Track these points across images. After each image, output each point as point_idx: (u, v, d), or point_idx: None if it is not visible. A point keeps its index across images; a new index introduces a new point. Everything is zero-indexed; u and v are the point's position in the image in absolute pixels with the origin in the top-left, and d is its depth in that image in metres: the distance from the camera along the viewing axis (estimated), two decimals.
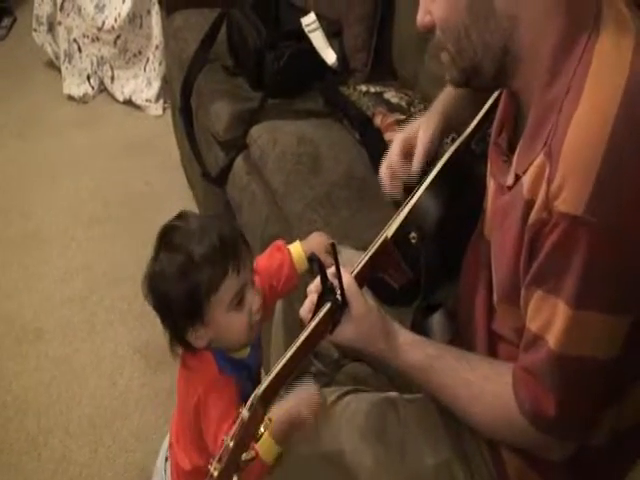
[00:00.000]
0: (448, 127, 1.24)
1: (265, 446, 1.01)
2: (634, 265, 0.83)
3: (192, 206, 2.42)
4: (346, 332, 1.03)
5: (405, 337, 1.05)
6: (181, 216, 1.18)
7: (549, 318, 0.88)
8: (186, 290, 1.09)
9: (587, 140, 0.81)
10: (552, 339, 0.88)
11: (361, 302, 1.02)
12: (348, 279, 1.02)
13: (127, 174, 2.67)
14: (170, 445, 1.33)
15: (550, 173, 0.83)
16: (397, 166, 1.21)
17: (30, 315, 2.18)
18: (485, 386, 1.00)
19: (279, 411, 1.01)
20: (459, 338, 1.14)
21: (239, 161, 1.93)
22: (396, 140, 1.24)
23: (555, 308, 0.87)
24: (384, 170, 1.22)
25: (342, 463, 1.11)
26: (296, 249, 1.31)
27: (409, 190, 1.21)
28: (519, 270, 0.91)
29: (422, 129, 1.22)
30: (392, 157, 1.23)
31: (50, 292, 2.26)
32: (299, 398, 1.03)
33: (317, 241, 1.32)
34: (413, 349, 1.04)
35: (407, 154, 1.21)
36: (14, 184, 2.66)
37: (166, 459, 1.37)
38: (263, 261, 1.30)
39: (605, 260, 0.82)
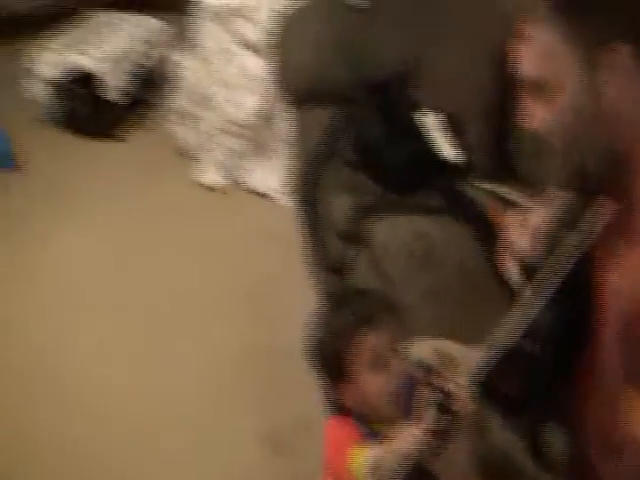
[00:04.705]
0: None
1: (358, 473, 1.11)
2: None
3: (311, 295, 2.47)
4: None
5: None
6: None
7: None
8: (331, 350, 1.23)
9: None
10: None
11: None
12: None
13: (253, 260, 2.76)
14: None
15: None
16: (514, 246, 1.22)
17: (156, 392, 2.27)
18: None
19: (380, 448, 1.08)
20: (577, 451, 1.11)
21: (358, 254, 1.97)
22: (511, 221, 1.25)
23: None
24: (502, 252, 1.24)
25: None
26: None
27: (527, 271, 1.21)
28: None
29: (538, 211, 1.23)
30: (508, 238, 1.24)
31: (176, 371, 2.34)
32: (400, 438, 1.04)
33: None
34: None
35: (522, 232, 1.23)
36: (145, 265, 2.80)
37: None
38: None
39: None
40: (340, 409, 1.28)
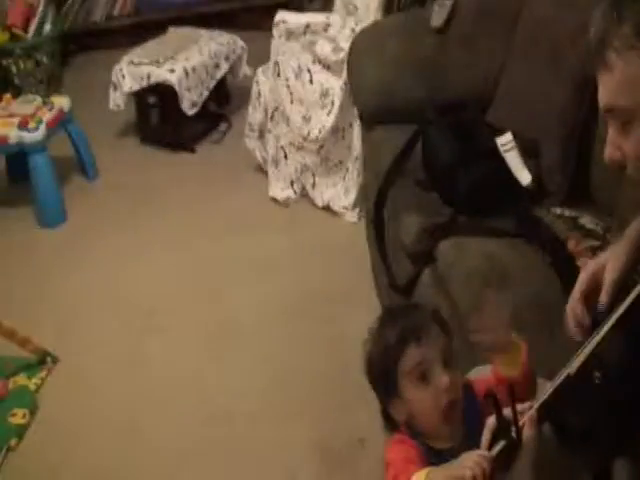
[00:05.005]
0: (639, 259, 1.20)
1: None
2: None
3: (377, 312, 2.46)
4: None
5: None
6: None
7: None
8: (381, 365, 1.24)
9: None
10: None
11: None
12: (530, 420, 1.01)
13: (321, 275, 2.78)
14: None
15: None
16: (580, 311, 1.18)
17: (220, 401, 2.31)
18: None
19: (442, 471, 1.06)
20: None
21: (426, 274, 1.96)
22: (582, 275, 1.22)
23: None
24: (568, 311, 1.20)
25: None
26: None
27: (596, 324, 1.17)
28: None
29: (610, 261, 1.19)
30: (575, 298, 1.20)
31: (239, 381, 2.37)
32: (463, 465, 1.02)
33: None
34: None
35: (592, 291, 1.18)
36: (218, 275, 2.85)
37: None
38: None
39: None
40: (393, 424, 1.27)
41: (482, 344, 1.22)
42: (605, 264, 1.21)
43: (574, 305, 1.21)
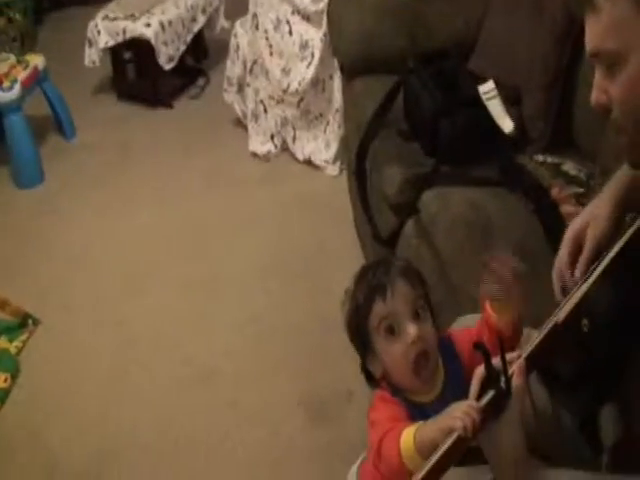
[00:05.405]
0: (624, 211, 1.18)
1: (407, 453, 1.07)
2: None
3: (360, 264, 2.45)
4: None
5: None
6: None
7: None
8: (354, 323, 1.24)
9: None
10: None
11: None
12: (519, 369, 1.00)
13: (303, 230, 2.76)
14: None
15: None
16: (567, 275, 1.17)
17: (202, 359, 2.29)
18: None
19: (430, 425, 1.04)
20: (631, 434, 1.07)
21: (409, 225, 1.94)
22: (567, 235, 1.20)
23: None
24: (554, 275, 1.19)
25: None
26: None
27: None
28: None
29: (591, 226, 1.17)
30: (561, 261, 1.19)
31: (222, 339, 2.36)
32: (452, 415, 1.00)
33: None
34: None
35: (577, 255, 1.17)
36: (199, 232, 2.82)
37: None
38: None
39: None
40: (375, 382, 1.27)
41: (488, 291, 1.20)
42: (586, 228, 1.20)
43: (562, 268, 1.19)
